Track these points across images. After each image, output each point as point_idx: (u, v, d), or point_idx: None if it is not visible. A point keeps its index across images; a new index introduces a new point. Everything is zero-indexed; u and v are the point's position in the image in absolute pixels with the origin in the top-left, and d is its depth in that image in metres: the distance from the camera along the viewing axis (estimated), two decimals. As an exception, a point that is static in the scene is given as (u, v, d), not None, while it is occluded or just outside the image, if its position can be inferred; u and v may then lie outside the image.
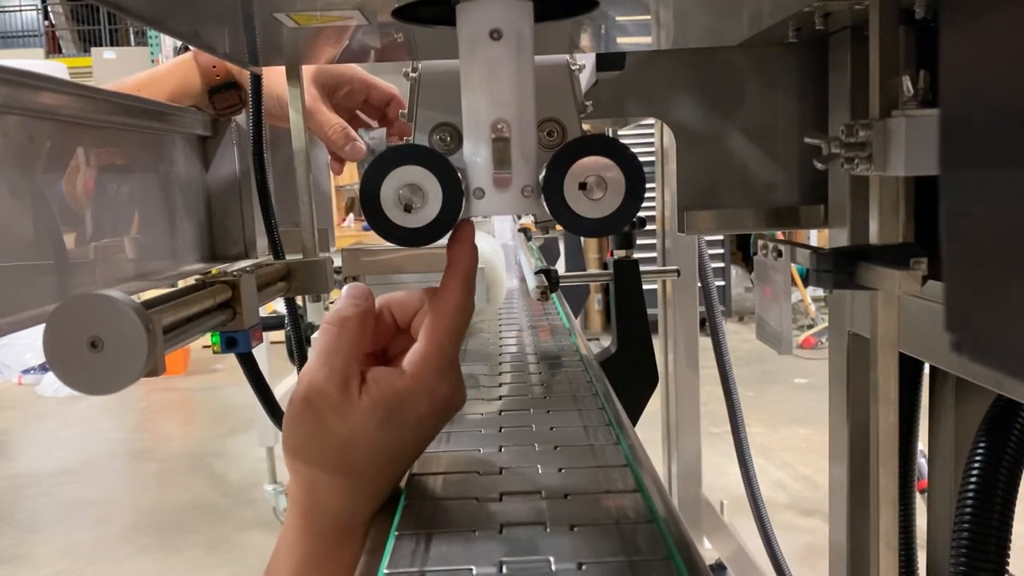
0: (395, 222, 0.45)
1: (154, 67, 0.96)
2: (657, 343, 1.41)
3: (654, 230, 1.98)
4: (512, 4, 0.45)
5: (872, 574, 0.59)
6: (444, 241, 0.48)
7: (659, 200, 1.93)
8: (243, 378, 0.78)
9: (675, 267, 1.56)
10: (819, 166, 0.56)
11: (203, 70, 0.89)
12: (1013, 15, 0.18)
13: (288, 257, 0.77)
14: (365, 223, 0.55)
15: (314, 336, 0.97)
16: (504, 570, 0.40)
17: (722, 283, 5.25)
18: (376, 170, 0.45)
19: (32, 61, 7.86)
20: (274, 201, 0.81)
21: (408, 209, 0.45)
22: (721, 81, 0.77)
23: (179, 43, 2.71)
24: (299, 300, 0.93)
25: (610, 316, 1.41)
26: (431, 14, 0.49)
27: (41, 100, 0.57)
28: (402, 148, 0.46)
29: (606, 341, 3.30)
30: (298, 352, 0.86)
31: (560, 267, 2.51)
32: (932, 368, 0.76)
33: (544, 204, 0.46)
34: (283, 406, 0.55)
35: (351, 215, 5.64)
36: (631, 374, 1.19)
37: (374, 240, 0.60)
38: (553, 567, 0.40)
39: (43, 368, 4.79)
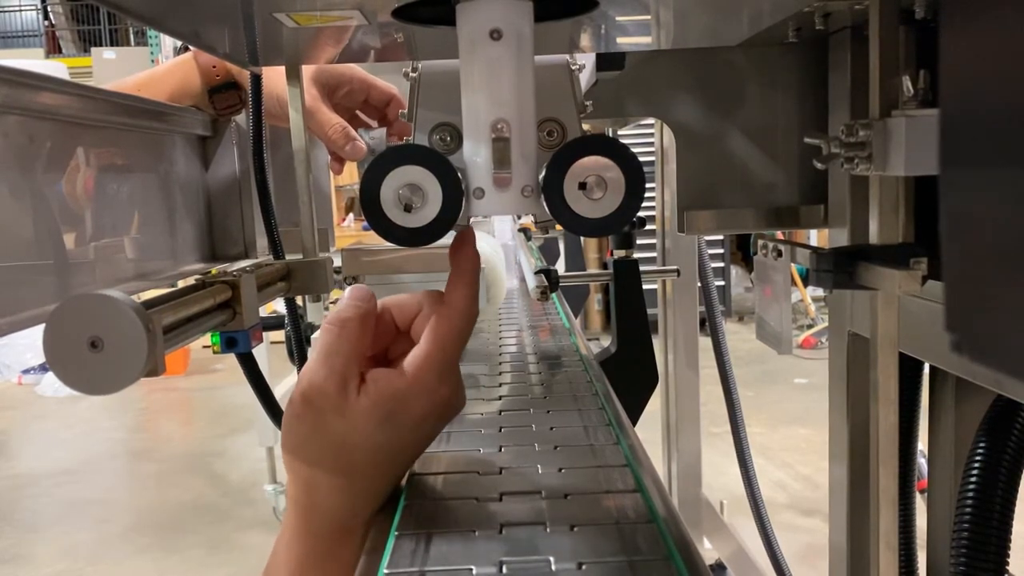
0: (395, 222, 0.45)
1: (154, 67, 0.96)
2: (657, 343, 1.41)
3: (654, 230, 1.98)
4: (512, 4, 0.45)
5: (872, 574, 0.59)
6: (444, 241, 0.48)
7: (659, 200, 1.93)
8: (243, 378, 0.78)
9: (675, 267, 1.55)
10: (819, 166, 0.56)
11: (203, 70, 0.89)
12: (1013, 15, 0.18)
13: (288, 257, 0.78)
14: (365, 223, 0.55)
15: (314, 336, 0.97)
16: (504, 570, 0.40)
17: (722, 283, 5.25)
18: (376, 170, 0.45)
19: (32, 61, 7.86)
20: (274, 201, 0.81)
21: (408, 209, 0.45)
22: (721, 81, 0.77)
23: (179, 43, 2.70)
24: (299, 300, 0.93)
25: (610, 316, 1.41)
26: (431, 14, 0.49)
27: (41, 100, 0.57)
28: (402, 148, 0.46)
29: (606, 341, 3.30)
30: (298, 352, 0.86)
31: (560, 267, 2.51)
32: (932, 368, 0.76)
33: (544, 204, 0.46)
34: (283, 406, 0.55)
35: (351, 215, 5.64)
36: (631, 374, 1.19)
37: (374, 240, 0.60)
38: (553, 567, 0.40)
39: (43, 368, 4.79)
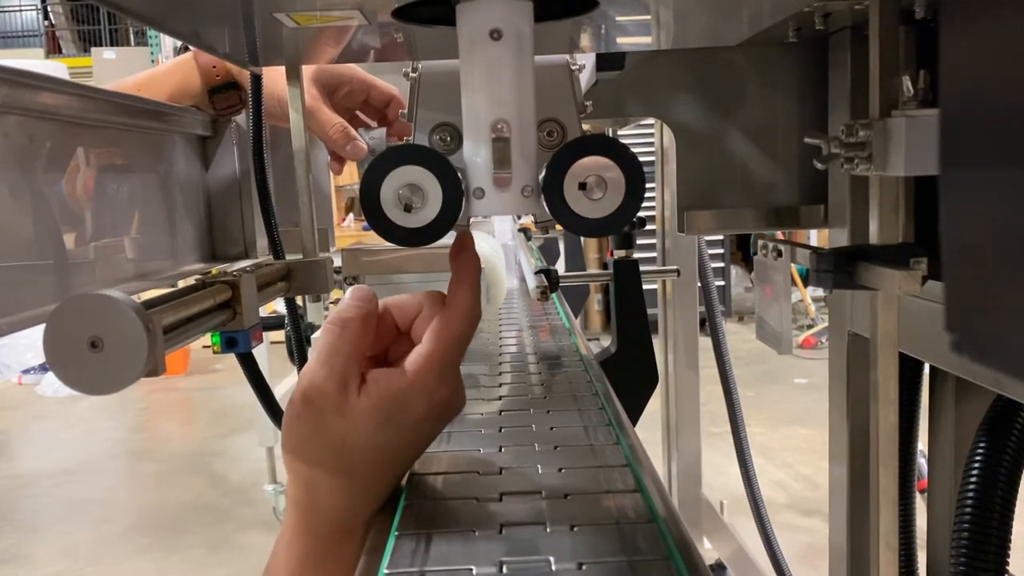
0: (395, 222, 0.45)
1: (154, 67, 0.96)
2: (657, 343, 1.41)
3: (654, 230, 1.98)
4: (512, 4, 0.45)
5: (872, 574, 0.59)
6: (444, 241, 0.48)
7: (659, 200, 1.93)
8: (243, 378, 0.78)
9: (675, 267, 1.55)
10: (819, 166, 0.56)
11: (203, 70, 0.89)
12: (1013, 15, 0.18)
13: (288, 257, 0.78)
14: (365, 223, 0.55)
15: (314, 336, 0.97)
16: (504, 570, 0.40)
17: (722, 283, 5.25)
18: (376, 170, 0.45)
19: (32, 61, 7.86)
20: (274, 201, 0.81)
21: (408, 209, 0.45)
22: (721, 81, 0.77)
23: (179, 43, 2.71)
24: (299, 300, 0.93)
25: (610, 316, 1.41)
26: (431, 14, 0.49)
27: (41, 100, 0.57)
28: (402, 148, 0.46)
29: (606, 341, 3.30)
30: (298, 352, 0.86)
31: (560, 267, 2.51)
32: (932, 368, 0.76)
33: (544, 204, 0.46)
34: (283, 406, 0.55)
35: (351, 215, 5.64)
36: (631, 374, 1.19)
37: (374, 240, 0.60)
38: (553, 567, 0.40)
39: (43, 368, 4.79)
